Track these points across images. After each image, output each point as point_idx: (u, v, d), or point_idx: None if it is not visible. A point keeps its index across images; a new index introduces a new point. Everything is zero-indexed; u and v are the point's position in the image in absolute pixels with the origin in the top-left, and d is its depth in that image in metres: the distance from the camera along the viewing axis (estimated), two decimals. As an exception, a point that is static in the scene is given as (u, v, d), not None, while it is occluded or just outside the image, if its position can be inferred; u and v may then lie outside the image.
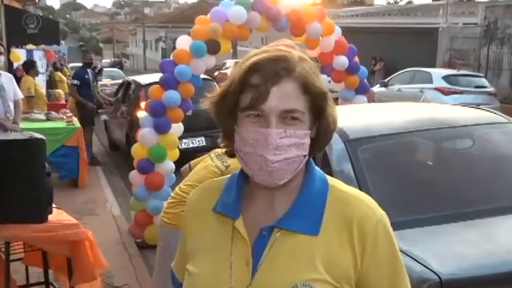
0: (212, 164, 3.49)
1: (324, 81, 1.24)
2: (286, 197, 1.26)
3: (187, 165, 3.99)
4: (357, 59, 6.59)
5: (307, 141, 1.20)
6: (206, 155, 3.71)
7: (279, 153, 1.17)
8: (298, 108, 1.17)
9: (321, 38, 6.21)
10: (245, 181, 1.32)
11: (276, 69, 1.17)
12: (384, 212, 1.27)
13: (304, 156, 1.21)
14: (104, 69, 28.19)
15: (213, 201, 1.34)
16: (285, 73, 1.17)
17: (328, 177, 1.31)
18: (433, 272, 2.31)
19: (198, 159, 3.84)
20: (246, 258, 1.23)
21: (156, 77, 6.55)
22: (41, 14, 11.27)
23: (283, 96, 1.16)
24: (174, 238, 3.48)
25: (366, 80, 6.85)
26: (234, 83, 1.22)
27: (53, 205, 3.59)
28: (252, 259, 1.22)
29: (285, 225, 1.22)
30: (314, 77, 1.20)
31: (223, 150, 3.89)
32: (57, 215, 3.61)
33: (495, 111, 3.96)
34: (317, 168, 1.31)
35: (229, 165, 3.39)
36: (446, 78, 15.21)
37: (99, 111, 10.28)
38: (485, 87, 15.44)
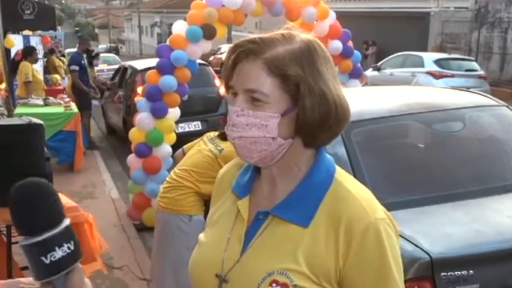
0: (205, 148, 3.53)
1: (318, 70, 1.20)
2: (288, 184, 1.26)
3: (180, 150, 4.01)
4: (350, 43, 6.63)
5: (272, 123, 1.18)
6: (199, 139, 3.75)
7: (236, 130, 1.20)
8: (259, 89, 1.18)
9: (315, 22, 6.25)
10: None
11: (244, 49, 1.20)
12: (383, 217, 1.20)
13: (273, 138, 1.19)
14: (101, 54, 28.16)
15: (234, 179, 1.38)
16: (252, 54, 1.19)
17: (338, 170, 1.28)
18: (424, 251, 2.38)
19: (190, 143, 3.87)
20: (239, 237, 1.27)
21: (152, 62, 6.58)
22: (37, 0, 11.19)
23: (248, 76, 1.19)
24: (170, 222, 3.55)
25: (359, 64, 6.90)
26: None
27: (52, 189, 3.64)
28: (244, 239, 1.26)
29: (277, 213, 1.24)
30: (289, 63, 1.18)
31: (216, 133, 3.92)
32: (57, 199, 3.65)
33: (485, 94, 4.01)
34: (328, 159, 1.28)
35: (222, 149, 3.43)
36: (437, 62, 15.24)
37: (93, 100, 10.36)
38: (475, 70, 15.46)
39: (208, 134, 3.72)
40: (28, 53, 9.60)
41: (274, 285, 1.17)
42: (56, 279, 0.96)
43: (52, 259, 0.94)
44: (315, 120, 1.19)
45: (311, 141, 1.24)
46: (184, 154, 3.82)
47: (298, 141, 1.23)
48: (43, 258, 0.93)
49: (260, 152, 1.21)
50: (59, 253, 0.95)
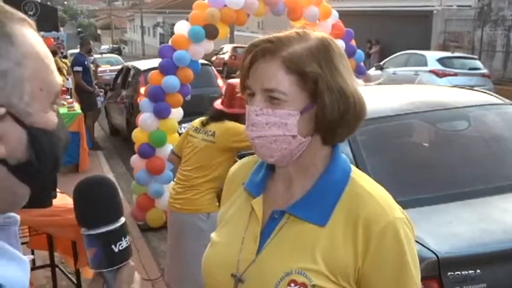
0: (198, 141, 3.55)
1: (338, 67, 1.21)
2: (305, 182, 1.25)
3: (170, 152, 4.03)
4: (353, 42, 6.62)
5: (291, 121, 1.17)
6: (183, 136, 3.77)
7: (256, 129, 1.20)
8: (278, 88, 1.17)
9: (318, 21, 6.24)
10: None
11: (261, 49, 1.19)
12: (401, 217, 1.20)
13: (293, 136, 1.18)
14: (103, 55, 28.08)
15: (246, 177, 1.37)
16: (269, 53, 1.18)
17: (354, 169, 1.28)
18: (431, 250, 2.37)
19: (177, 143, 3.90)
20: (255, 236, 1.26)
21: (155, 62, 6.57)
22: (39, 1, 11.20)
23: (265, 75, 1.18)
24: (188, 222, 3.57)
25: (362, 63, 6.88)
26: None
27: (57, 190, 3.64)
28: (259, 238, 1.25)
29: (294, 212, 1.23)
30: (307, 60, 1.17)
31: (198, 122, 3.95)
32: (62, 199, 3.65)
33: (490, 93, 4.00)
34: (343, 158, 1.28)
35: (214, 132, 3.47)
36: (440, 60, 15.22)
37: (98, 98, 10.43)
38: (479, 69, 15.46)
39: (190, 126, 3.72)
40: None
41: (292, 285, 1.17)
42: (109, 271, 1.01)
43: (120, 248, 0.99)
44: (335, 117, 1.19)
45: (330, 138, 1.24)
46: (176, 155, 3.83)
47: (317, 138, 1.23)
48: (113, 247, 0.99)
49: (280, 151, 1.20)
50: (124, 243, 1.00)
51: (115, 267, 1.00)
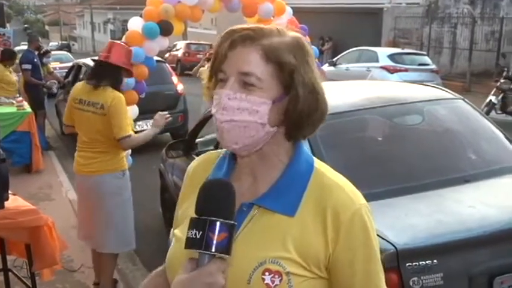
0: (90, 114, 3.87)
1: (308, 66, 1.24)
2: (270, 174, 1.28)
3: (64, 125, 4.50)
4: (308, 39, 6.67)
5: (263, 109, 1.20)
6: (68, 109, 4.12)
7: (226, 113, 1.20)
8: (254, 73, 1.19)
9: (272, 18, 6.25)
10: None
11: (242, 35, 1.21)
12: (364, 203, 1.25)
13: (262, 124, 1.21)
14: (52, 52, 27.28)
15: (208, 172, 1.37)
16: (250, 39, 1.21)
17: (316, 160, 1.31)
18: (389, 242, 2.42)
19: (66, 116, 4.16)
20: None
21: (108, 59, 6.43)
22: (-16, -4, 10.85)
23: (244, 59, 1.20)
24: (106, 182, 3.93)
25: (317, 60, 6.96)
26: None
27: (9, 191, 3.53)
28: None
29: (263, 203, 1.24)
30: (285, 52, 1.21)
31: (80, 89, 4.19)
32: (14, 202, 3.54)
33: (442, 88, 4.11)
34: (306, 151, 1.31)
35: (102, 105, 3.82)
36: (391, 56, 15.61)
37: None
38: (428, 64, 15.92)
39: (73, 98, 4.03)
40: None
41: (267, 274, 1.18)
42: (207, 255, 1.11)
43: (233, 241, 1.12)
44: (305, 111, 1.22)
45: (295, 132, 1.26)
46: (69, 126, 4.19)
47: (281, 131, 1.25)
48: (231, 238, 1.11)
49: (247, 138, 1.22)
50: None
51: (226, 255, 1.11)
